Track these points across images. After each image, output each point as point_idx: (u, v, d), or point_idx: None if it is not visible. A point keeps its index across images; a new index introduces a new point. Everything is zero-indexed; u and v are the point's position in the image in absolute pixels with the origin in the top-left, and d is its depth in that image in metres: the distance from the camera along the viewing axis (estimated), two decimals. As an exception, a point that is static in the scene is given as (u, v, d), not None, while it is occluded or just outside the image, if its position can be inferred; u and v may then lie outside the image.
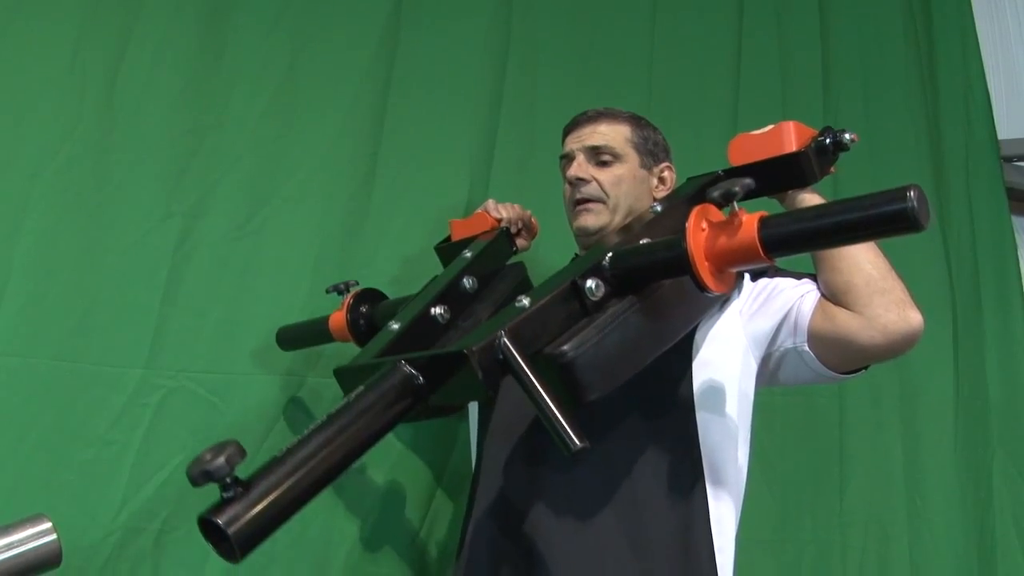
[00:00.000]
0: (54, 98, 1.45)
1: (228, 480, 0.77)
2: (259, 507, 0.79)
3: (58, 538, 0.74)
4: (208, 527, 0.79)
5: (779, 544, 1.84)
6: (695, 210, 0.92)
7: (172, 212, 1.50)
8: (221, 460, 0.76)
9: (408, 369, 0.94)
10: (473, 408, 1.38)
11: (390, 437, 1.55)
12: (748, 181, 0.90)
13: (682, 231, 0.90)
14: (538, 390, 0.88)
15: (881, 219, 0.80)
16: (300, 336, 1.48)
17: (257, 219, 1.55)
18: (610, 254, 1.00)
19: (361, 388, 0.91)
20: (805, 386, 1.18)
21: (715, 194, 0.91)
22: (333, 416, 0.88)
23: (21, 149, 1.43)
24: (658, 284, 1.00)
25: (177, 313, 1.48)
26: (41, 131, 1.44)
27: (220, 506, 0.78)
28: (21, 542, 0.72)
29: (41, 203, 1.43)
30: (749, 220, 0.88)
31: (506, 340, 0.90)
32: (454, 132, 1.72)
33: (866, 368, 1.18)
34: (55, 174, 1.44)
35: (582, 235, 1.33)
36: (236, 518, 0.77)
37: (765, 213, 0.88)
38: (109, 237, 1.46)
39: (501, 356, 0.90)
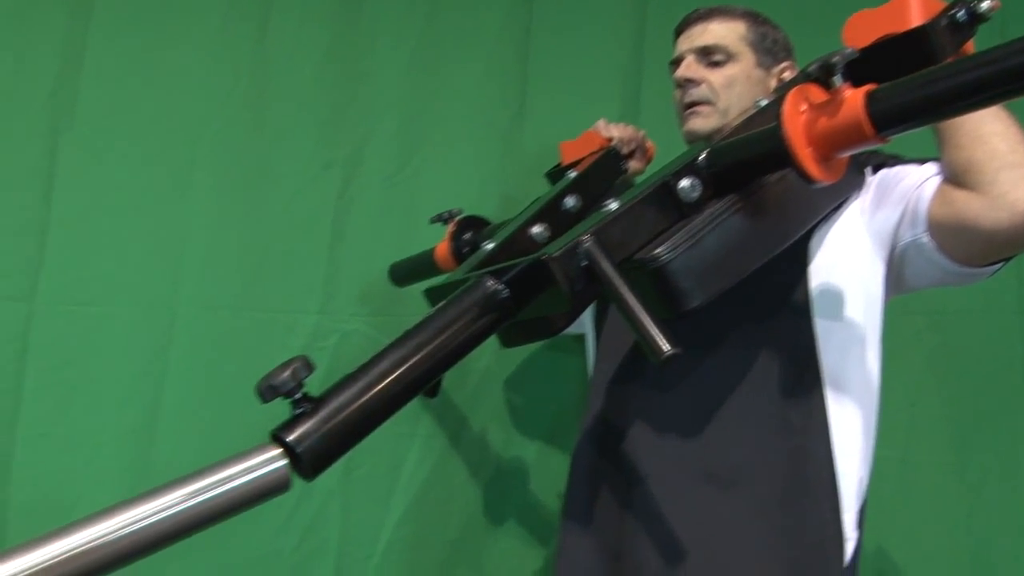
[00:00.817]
0: (208, 64, 1.50)
1: (297, 396, 0.74)
2: (329, 424, 0.74)
3: (288, 464, 0.72)
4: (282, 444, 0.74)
5: (960, 466, 1.65)
6: (791, 92, 0.81)
7: (331, 162, 1.52)
8: (287, 375, 0.73)
9: (492, 283, 0.86)
10: (589, 329, 1.31)
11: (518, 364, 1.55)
12: (850, 50, 0.80)
13: (778, 117, 0.80)
14: (622, 295, 0.79)
15: (1010, 74, 0.67)
16: (410, 271, 1.47)
17: (413, 164, 1.56)
18: (706, 151, 0.90)
19: (443, 303, 0.85)
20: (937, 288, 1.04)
21: (812, 68, 0.81)
22: (411, 332, 0.81)
23: (183, 114, 1.49)
24: (762, 182, 0.90)
25: (345, 259, 1.50)
26: (200, 95, 1.49)
27: (289, 423, 0.74)
28: (255, 467, 0.72)
29: (207, 163, 1.48)
30: (854, 95, 0.77)
31: (590, 245, 0.82)
32: (601, 66, 1.68)
33: (1004, 262, 1.01)
34: (217, 134, 1.49)
35: (691, 141, 1.22)
36: (306, 435, 0.73)
37: (874, 85, 0.78)
38: (274, 189, 1.49)
39: (586, 262, 0.82)
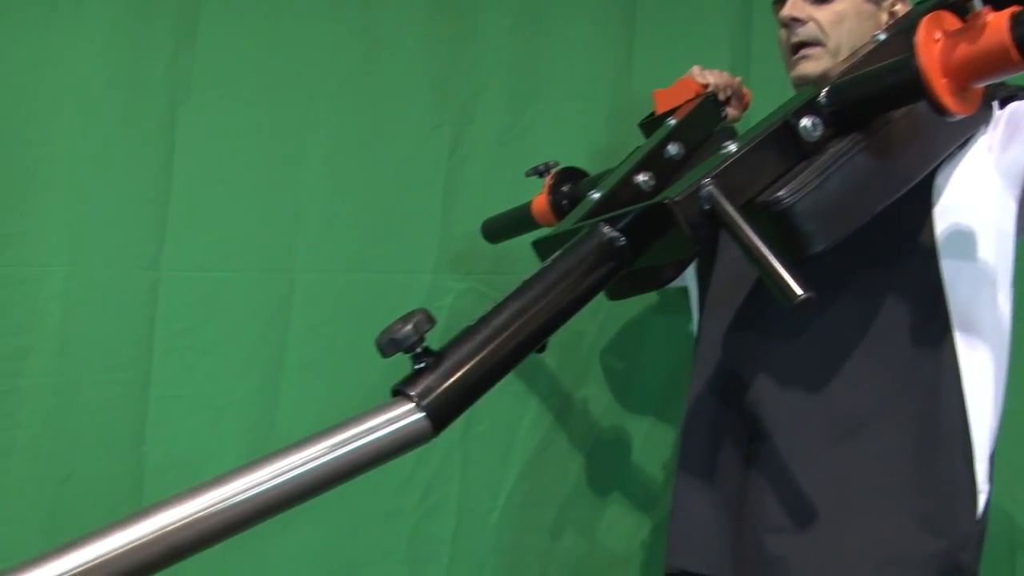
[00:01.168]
0: (317, 30, 1.51)
1: (418, 350, 0.72)
2: (452, 378, 0.73)
3: (423, 409, 0.72)
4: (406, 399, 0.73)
5: None
6: (925, 19, 0.77)
7: (441, 121, 1.52)
8: (408, 328, 0.71)
9: (609, 230, 0.84)
10: (692, 281, 1.27)
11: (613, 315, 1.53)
12: None
13: (911, 47, 0.76)
14: (750, 238, 0.77)
15: None
16: (505, 226, 1.44)
17: (522, 121, 1.55)
18: (827, 88, 0.87)
19: (558, 253, 0.84)
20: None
21: None
22: (529, 282, 0.80)
23: (295, 81, 1.50)
24: (886, 118, 0.86)
25: (458, 218, 1.50)
26: (310, 62, 1.50)
27: (412, 377, 0.73)
28: (395, 419, 0.71)
29: (320, 128, 1.49)
30: (997, 18, 0.73)
31: (713, 188, 0.79)
32: (709, 15, 1.64)
33: None
34: (329, 99, 1.50)
35: (800, 86, 1.15)
36: (428, 390, 0.72)
37: (1018, 8, 0.73)
38: (386, 151, 1.50)
39: (708, 207, 0.80)
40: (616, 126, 1.57)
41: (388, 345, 0.72)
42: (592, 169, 1.45)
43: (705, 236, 0.81)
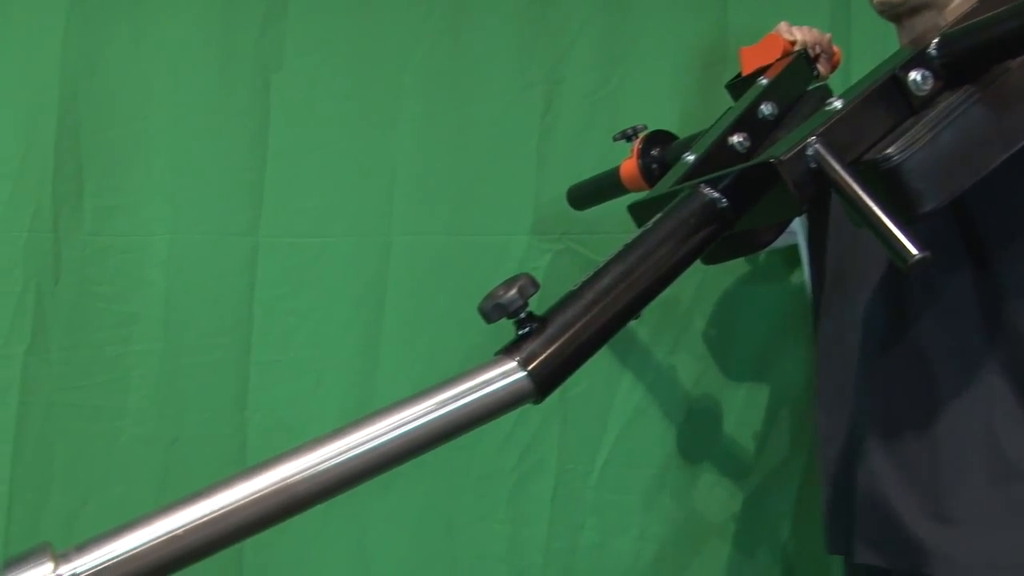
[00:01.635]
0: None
1: (522, 315, 0.70)
2: (557, 343, 0.71)
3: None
4: None
5: None
6: None
7: (532, 82, 1.51)
8: (513, 292, 0.69)
9: (710, 192, 0.82)
10: (803, 247, 1.24)
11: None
12: None
13: None
14: (860, 196, 0.73)
15: None
16: (592, 192, 1.42)
17: (613, 80, 1.53)
18: (937, 38, 0.82)
19: (659, 215, 0.81)
20: None
21: None
22: (631, 245, 0.77)
23: (386, 45, 1.50)
24: (1003, 68, 0.81)
25: (552, 178, 1.49)
26: (401, 25, 1.50)
27: (516, 343, 0.71)
28: (494, 379, 0.70)
29: (413, 91, 1.49)
30: None
31: (819, 146, 0.76)
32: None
33: None
34: (420, 61, 1.50)
35: (886, 11, 1.08)
36: (533, 355, 0.70)
37: None
38: (477, 112, 1.49)
39: (814, 165, 0.76)
40: (709, 85, 1.54)
41: (493, 310, 0.71)
42: (684, 130, 1.42)
43: (811, 196, 0.78)
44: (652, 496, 1.49)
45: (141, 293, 1.46)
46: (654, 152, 1.32)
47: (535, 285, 0.71)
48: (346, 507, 1.44)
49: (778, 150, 0.79)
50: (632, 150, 1.33)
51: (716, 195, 0.82)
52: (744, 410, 1.53)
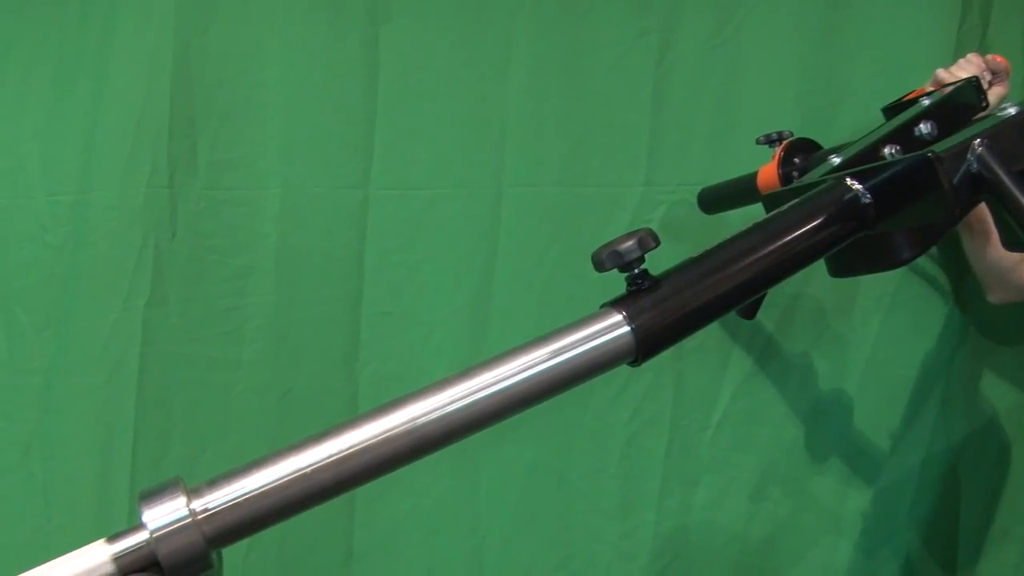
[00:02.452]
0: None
1: (636, 270, 0.66)
2: (667, 304, 0.67)
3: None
4: None
5: None
6: None
7: (646, 29, 1.46)
8: (632, 243, 0.65)
9: (855, 185, 0.76)
10: None
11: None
12: None
13: None
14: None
15: None
16: (725, 196, 1.36)
17: (730, 26, 1.47)
18: None
19: (795, 200, 0.76)
20: None
21: None
22: (759, 225, 0.73)
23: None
24: None
25: (667, 128, 1.45)
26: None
27: (625, 297, 0.67)
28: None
29: (523, 40, 1.47)
30: None
31: (984, 149, 0.71)
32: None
33: None
34: (530, 10, 1.47)
35: None
36: (640, 312, 0.66)
37: None
38: (589, 62, 1.46)
39: (976, 168, 0.71)
40: (832, 29, 1.47)
41: (608, 258, 0.66)
42: (805, 78, 1.38)
43: (968, 202, 0.73)
44: (769, 455, 1.45)
45: (254, 246, 1.48)
46: (796, 160, 1.25)
47: (656, 240, 0.67)
48: (458, 459, 1.43)
49: (939, 147, 0.73)
50: (773, 156, 1.26)
51: (861, 189, 0.76)
52: (866, 369, 1.47)
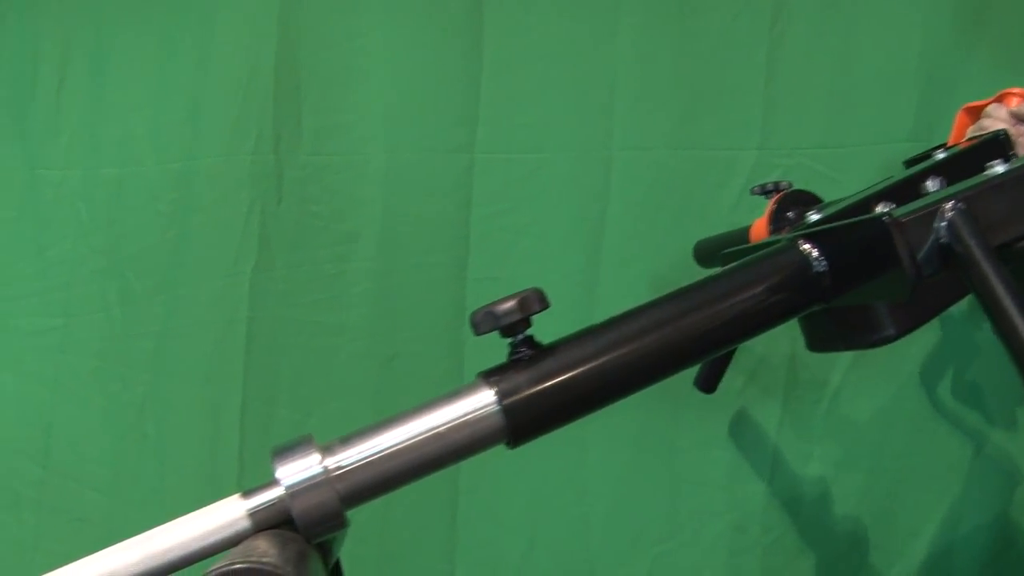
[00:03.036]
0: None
1: (520, 335, 0.60)
2: (545, 384, 0.60)
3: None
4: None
5: None
6: None
7: (760, -11, 1.41)
8: (511, 304, 0.58)
9: (807, 248, 0.64)
10: None
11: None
12: None
13: None
14: (995, 292, 0.57)
15: None
16: (717, 249, 1.26)
17: (849, -16, 1.41)
18: None
19: (735, 263, 0.65)
20: None
21: None
22: (687, 290, 0.63)
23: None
24: None
25: (782, 90, 1.40)
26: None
27: (499, 368, 0.60)
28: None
29: (633, 1, 1.43)
30: None
31: (956, 215, 0.59)
32: None
33: None
34: (639, -29, 1.43)
35: None
36: (515, 389, 0.59)
37: None
38: (702, 22, 1.42)
39: (945, 239, 0.59)
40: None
41: (484, 319, 0.59)
42: (929, 47, 1.30)
43: (931, 276, 0.60)
44: (886, 430, 1.39)
45: (358, 211, 1.48)
46: (790, 214, 1.13)
47: (543, 302, 0.60)
48: (565, 427, 1.41)
49: (900, 211, 0.62)
50: (766, 209, 1.15)
51: (815, 255, 0.64)
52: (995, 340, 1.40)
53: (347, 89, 1.49)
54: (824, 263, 0.63)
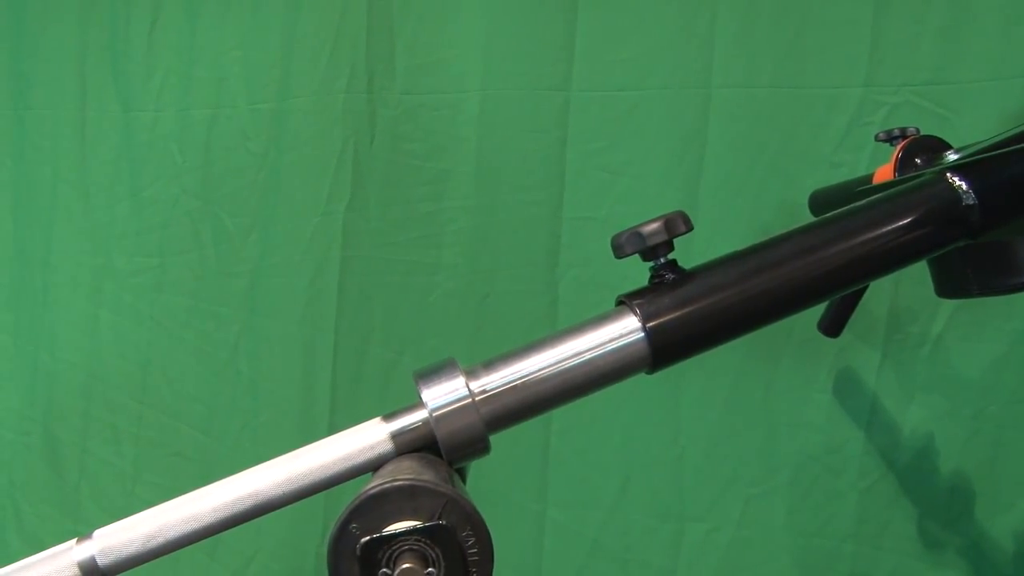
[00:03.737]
0: None
1: (663, 259, 0.59)
2: (689, 308, 0.59)
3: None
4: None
5: None
6: None
7: (869, -82, 1.36)
8: (657, 225, 0.59)
9: (956, 181, 0.62)
10: None
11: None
12: None
13: None
14: None
15: None
16: (836, 201, 1.19)
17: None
18: None
19: (879, 195, 0.63)
20: None
21: None
22: (831, 219, 0.62)
23: None
24: None
25: (890, 23, 1.35)
26: None
27: (640, 291, 0.61)
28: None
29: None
30: None
31: None
32: None
33: None
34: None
35: None
36: (657, 312, 0.58)
37: None
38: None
39: None
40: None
41: (629, 241, 0.61)
42: None
43: None
44: (992, 375, 1.36)
45: (453, 150, 1.47)
46: (919, 160, 1.06)
47: (687, 224, 0.60)
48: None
49: None
50: (892, 156, 1.09)
51: (963, 187, 0.62)
52: None
53: (441, 26, 1.48)
54: (973, 196, 0.62)
